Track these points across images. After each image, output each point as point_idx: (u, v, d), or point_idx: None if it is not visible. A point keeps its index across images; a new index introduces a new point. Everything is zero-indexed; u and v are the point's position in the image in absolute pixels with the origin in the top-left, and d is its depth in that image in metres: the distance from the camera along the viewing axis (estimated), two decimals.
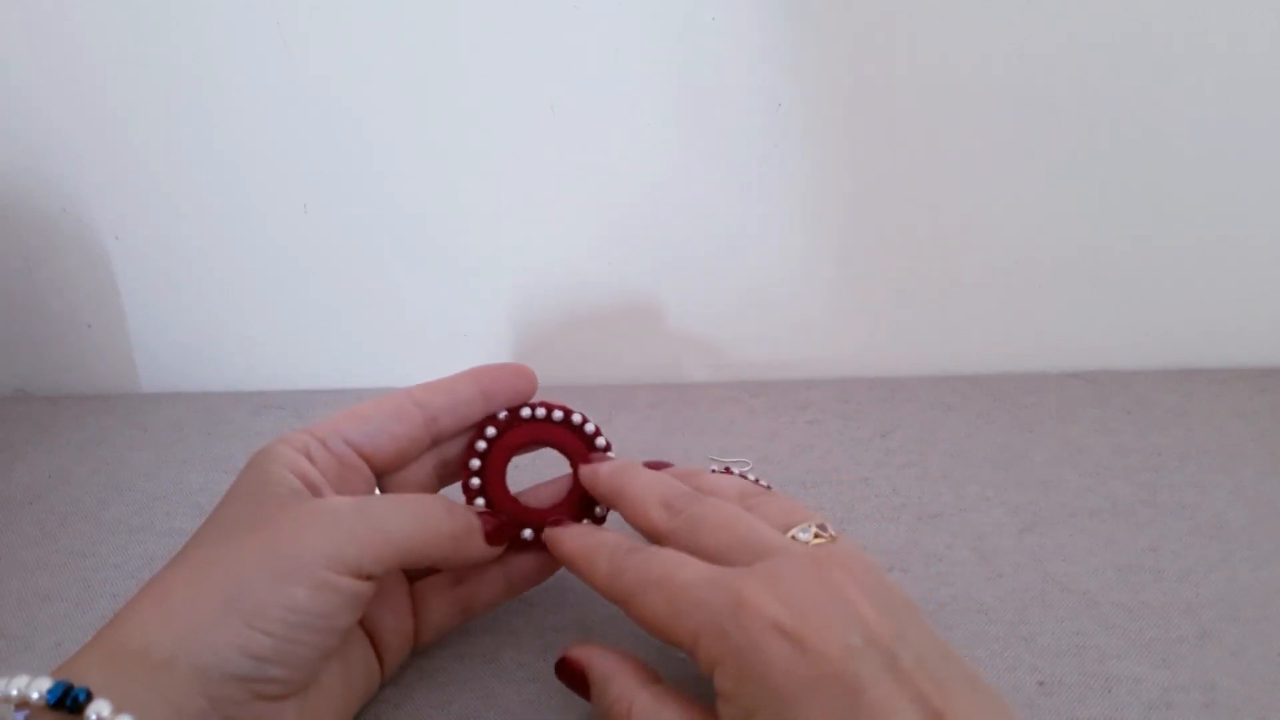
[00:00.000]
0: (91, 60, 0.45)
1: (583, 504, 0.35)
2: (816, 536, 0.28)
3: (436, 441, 0.35)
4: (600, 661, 0.30)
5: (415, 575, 0.34)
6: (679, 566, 0.28)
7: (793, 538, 0.28)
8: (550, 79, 0.45)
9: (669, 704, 0.28)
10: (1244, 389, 0.50)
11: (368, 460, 0.33)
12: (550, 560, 0.35)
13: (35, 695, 0.23)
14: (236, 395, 0.52)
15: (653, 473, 0.33)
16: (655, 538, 0.31)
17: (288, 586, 0.26)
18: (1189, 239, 0.49)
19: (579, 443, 0.36)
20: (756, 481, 0.42)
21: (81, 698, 0.23)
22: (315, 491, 0.30)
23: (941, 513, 0.42)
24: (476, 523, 0.32)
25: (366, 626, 0.32)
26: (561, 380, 0.52)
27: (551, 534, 0.33)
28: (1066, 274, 0.50)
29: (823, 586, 0.26)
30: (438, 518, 0.31)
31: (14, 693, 0.23)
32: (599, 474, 0.34)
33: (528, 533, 0.34)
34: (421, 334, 0.52)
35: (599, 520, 0.35)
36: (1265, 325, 0.52)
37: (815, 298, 0.51)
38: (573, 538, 0.32)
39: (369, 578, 0.28)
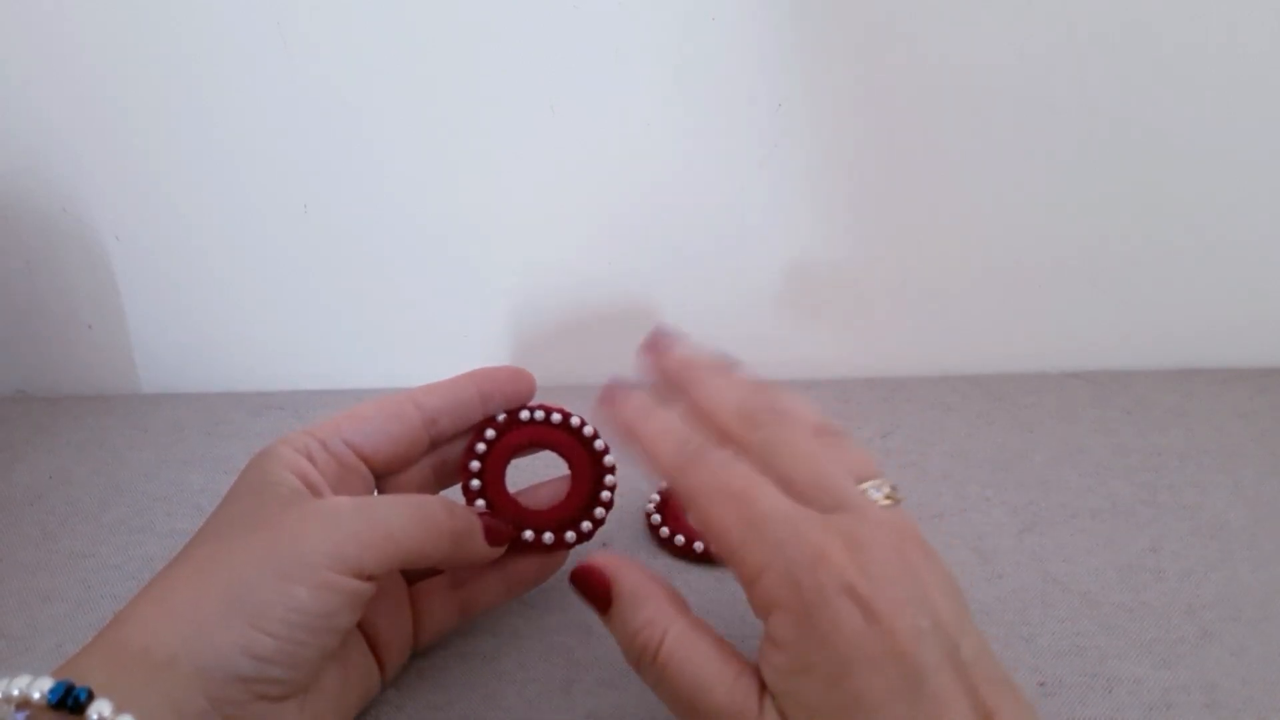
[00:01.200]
0: (91, 60, 0.45)
1: (583, 506, 0.35)
2: (887, 498, 0.27)
3: (436, 443, 0.35)
4: (630, 579, 0.28)
5: (414, 578, 0.34)
6: (760, 490, 0.26)
7: (863, 492, 0.27)
8: (550, 79, 0.45)
9: (704, 638, 0.27)
10: (1244, 389, 0.50)
11: (367, 461, 0.33)
12: (549, 562, 0.35)
13: (37, 695, 0.23)
14: (236, 395, 0.52)
15: (728, 378, 0.31)
16: (723, 438, 0.29)
17: (289, 586, 0.26)
18: (1189, 239, 0.49)
19: (578, 445, 0.36)
20: None
21: (83, 698, 0.23)
22: (315, 492, 0.30)
23: (941, 513, 0.42)
24: (477, 523, 0.32)
25: (366, 629, 0.32)
26: (561, 380, 0.52)
27: (611, 410, 0.31)
28: (1066, 274, 0.50)
29: (901, 561, 0.25)
30: (439, 518, 0.31)
31: (15, 693, 0.23)
32: (670, 357, 0.32)
33: (528, 534, 0.34)
34: (421, 334, 0.52)
35: (599, 522, 0.35)
36: (1265, 325, 0.52)
37: (816, 297, 0.51)
38: (637, 411, 0.30)
39: (370, 578, 0.28)
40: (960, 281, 0.50)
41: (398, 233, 0.49)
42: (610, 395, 0.31)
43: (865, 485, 0.27)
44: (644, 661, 0.27)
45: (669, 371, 0.32)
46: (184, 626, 0.25)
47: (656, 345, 0.33)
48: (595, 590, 0.29)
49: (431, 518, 0.30)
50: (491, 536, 0.32)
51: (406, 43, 0.44)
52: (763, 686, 0.25)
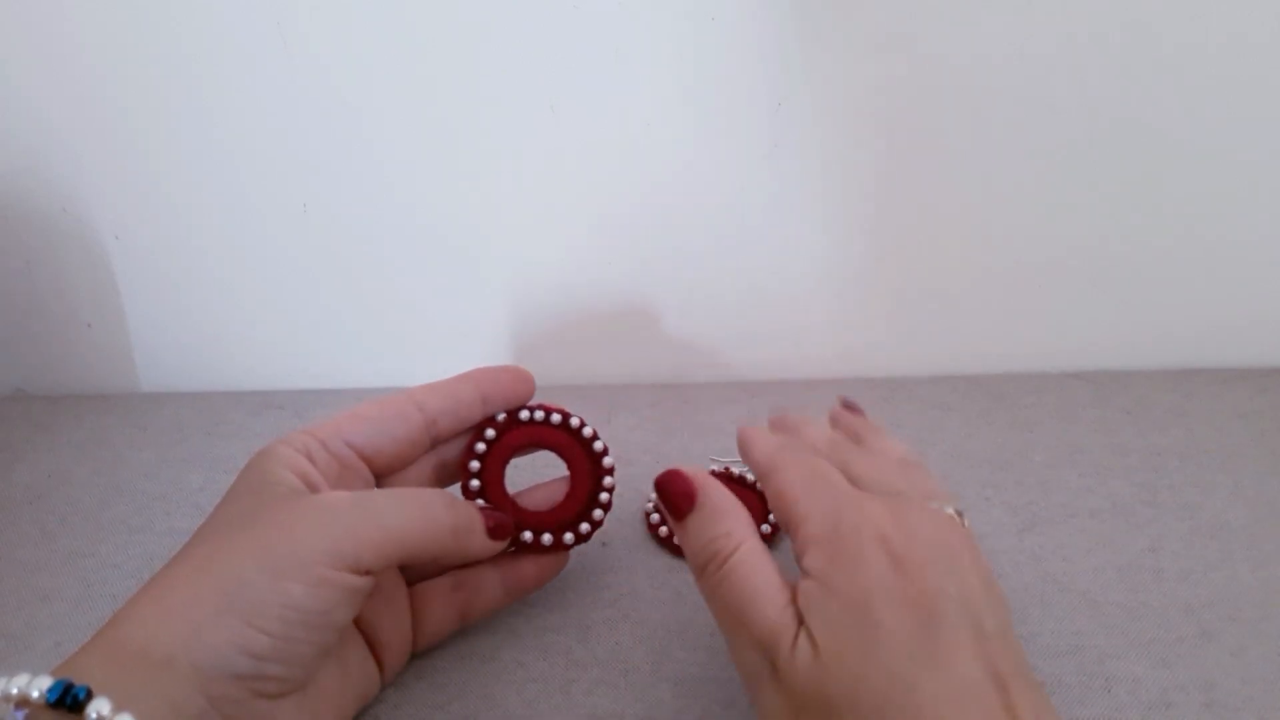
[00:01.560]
0: (91, 60, 0.45)
1: (582, 507, 0.35)
2: (951, 515, 0.29)
3: (436, 443, 0.35)
4: (716, 493, 0.30)
5: (413, 579, 0.34)
6: (828, 468, 0.30)
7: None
8: (550, 79, 0.45)
9: (770, 561, 0.28)
10: (1244, 389, 0.50)
11: (368, 462, 0.33)
12: (548, 565, 0.35)
13: (35, 694, 0.23)
14: (236, 395, 0.52)
15: (823, 426, 0.35)
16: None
17: (285, 584, 0.26)
18: (1189, 239, 0.49)
19: (576, 446, 0.36)
20: (760, 492, 0.42)
21: (81, 696, 0.23)
22: (315, 491, 0.30)
23: None
24: (478, 517, 0.32)
25: (365, 629, 0.32)
26: (562, 380, 0.52)
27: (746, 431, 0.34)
28: (1066, 274, 0.50)
29: (941, 538, 0.27)
30: (438, 511, 0.31)
31: (14, 691, 0.23)
32: (781, 415, 0.36)
33: (527, 534, 0.34)
34: (421, 334, 0.52)
35: (598, 523, 0.35)
36: (1265, 325, 0.51)
37: (815, 298, 0.51)
38: (752, 431, 0.33)
39: (367, 573, 0.28)
40: (960, 281, 0.50)
41: (398, 232, 0.49)
42: (742, 430, 0.34)
43: (931, 502, 0.29)
44: (711, 567, 0.28)
45: (788, 422, 0.35)
46: (181, 625, 0.25)
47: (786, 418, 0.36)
48: (681, 494, 0.30)
49: (431, 512, 0.30)
50: (494, 531, 0.32)
51: (406, 42, 0.44)
52: (801, 618, 0.26)
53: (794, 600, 0.27)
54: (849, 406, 0.36)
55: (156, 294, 0.51)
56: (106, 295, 0.51)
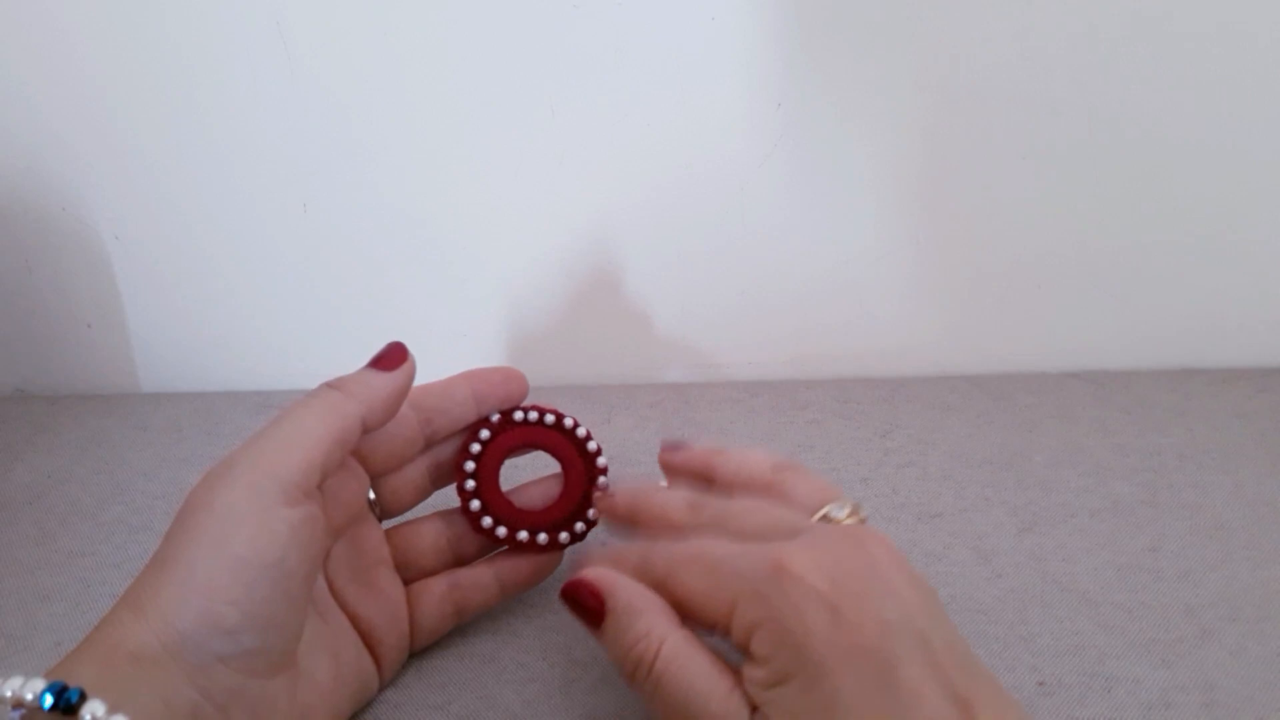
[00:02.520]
0: (91, 60, 0.45)
1: (576, 507, 0.35)
2: (850, 516, 0.28)
3: (430, 444, 0.35)
4: (626, 592, 0.28)
5: (409, 578, 0.34)
6: (714, 544, 0.28)
7: (825, 515, 0.28)
8: (550, 79, 0.45)
9: (699, 650, 0.27)
10: (1244, 389, 0.50)
11: (363, 461, 0.33)
12: (543, 563, 0.35)
13: (30, 696, 0.23)
14: (236, 395, 0.52)
15: (671, 490, 0.33)
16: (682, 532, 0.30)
17: (226, 547, 0.26)
18: (1189, 239, 0.49)
19: (570, 446, 0.36)
20: None
21: (75, 699, 0.23)
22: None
23: (941, 513, 0.42)
24: (368, 371, 0.31)
25: (360, 626, 0.32)
26: (561, 380, 0.52)
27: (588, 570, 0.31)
28: (1066, 274, 0.50)
29: (860, 560, 0.26)
30: (329, 398, 0.30)
31: (8, 694, 0.23)
32: (615, 497, 0.34)
33: (523, 534, 0.34)
34: (420, 334, 0.52)
35: (592, 523, 0.35)
36: (1265, 325, 0.51)
37: (815, 298, 0.51)
38: (601, 559, 0.31)
39: (301, 499, 0.28)
40: (960, 281, 0.50)
41: (397, 233, 0.49)
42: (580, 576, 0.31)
43: (826, 509, 0.28)
44: (639, 673, 0.27)
45: (621, 513, 0.34)
46: (156, 621, 0.25)
47: (604, 503, 0.34)
48: (588, 604, 0.29)
49: (326, 406, 0.29)
50: (384, 360, 0.32)
51: (406, 43, 0.44)
52: (754, 704, 0.25)
53: (738, 685, 0.26)
54: (672, 447, 0.35)
55: (156, 294, 0.51)
56: (106, 295, 0.51)
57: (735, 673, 0.26)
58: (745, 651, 0.26)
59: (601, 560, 0.31)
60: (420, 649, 0.34)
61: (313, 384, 0.52)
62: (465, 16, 0.44)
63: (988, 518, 0.41)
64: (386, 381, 0.31)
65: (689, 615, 0.28)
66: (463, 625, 0.35)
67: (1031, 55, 0.44)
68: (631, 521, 0.33)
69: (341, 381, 0.31)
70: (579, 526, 0.35)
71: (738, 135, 0.46)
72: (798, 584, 0.25)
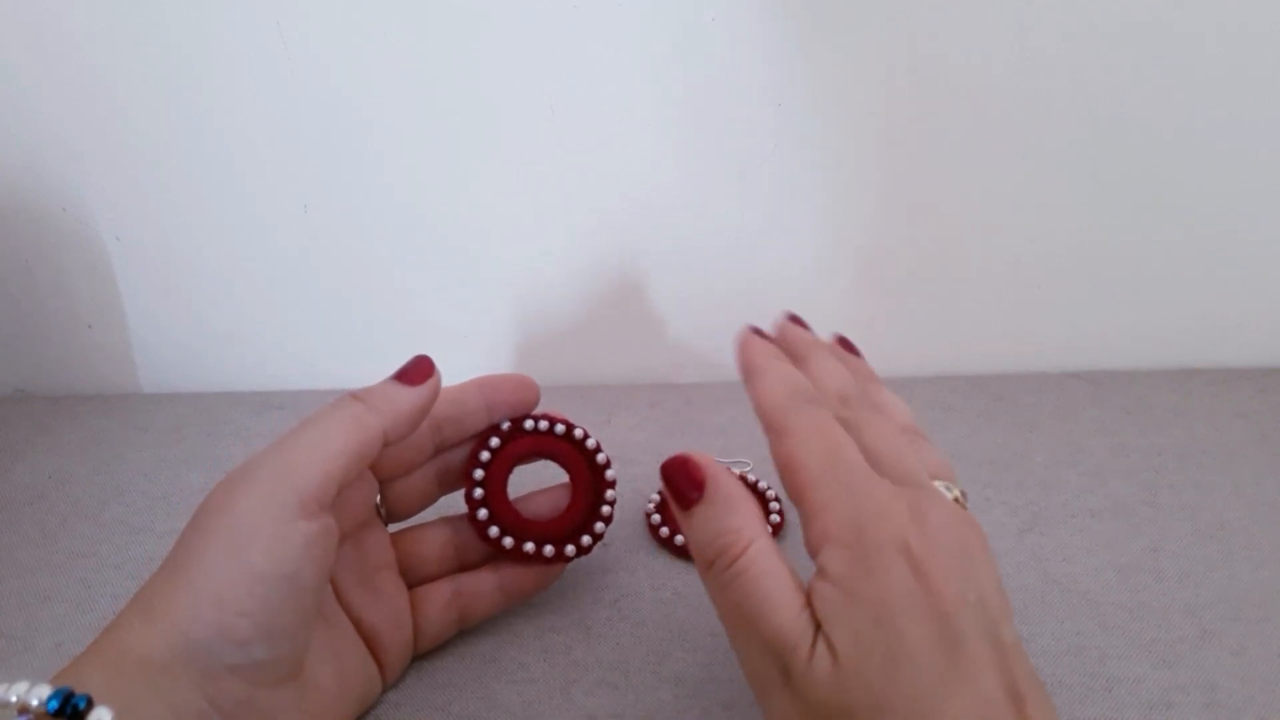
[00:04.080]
0: (91, 60, 0.45)
1: (583, 518, 0.35)
2: (955, 500, 0.28)
3: (440, 450, 0.35)
4: (725, 482, 0.28)
5: (413, 582, 0.34)
6: (848, 444, 0.27)
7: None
8: (550, 79, 0.45)
9: (783, 561, 0.26)
10: (1244, 389, 0.50)
11: (372, 467, 0.33)
12: (547, 573, 0.35)
13: (35, 702, 0.23)
14: (236, 395, 0.52)
15: (841, 362, 0.33)
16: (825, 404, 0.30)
17: (243, 557, 0.26)
18: (1189, 238, 0.49)
19: (579, 457, 0.36)
20: (762, 492, 0.42)
21: (82, 705, 0.23)
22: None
23: None
24: (390, 384, 0.31)
25: (364, 630, 0.32)
26: (562, 380, 0.52)
27: (746, 339, 0.32)
28: (1066, 274, 0.50)
29: (959, 539, 0.26)
30: (350, 410, 0.30)
31: (13, 699, 0.23)
32: (795, 331, 0.34)
33: (529, 546, 0.34)
34: (421, 334, 0.52)
35: (599, 536, 0.35)
36: (1265, 325, 0.52)
37: (815, 298, 0.51)
38: (764, 354, 0.31)
39: (318, 513, 0.28)
40: (960, 281, 0.50)
41: (398, 233, 0.49)
42: (745, 334, 0.32)
43: (937, 483, 0.28)
44: (719, 565, 0.27)
45: (791, 342, 0.34)
46: (166, 628, 0.25)
47: (792, 318, 0.35)
48: (689, 482, 0.28)
49: (347, 419, 0.29)
50: (406, 375, 0.31)
51: (406, 43, 0.44)
52: (819, 624, 0.25)
53: (809, 604, 0.25)
54: (847, 346, 0.35)
55: (156, 294, 0.51)
56: (106, 295, 0.51)
57: (808, 593, 0.26)
58: (813, 554, 0.26)
59: (765, 356, 0.31)
60: (424, 652, 0.34)
61: (313, 385, 0.53)
62: (465, 17, 0.44)
63: (988, 518, 0.41)
64: (411, 397, 0.31)
65: (784, 477, 0.27)
66: (464, 627, 0.35)
67: (1032, 55, 0.44)
68: (793, 359, 0.32)
69: (366, 393, 0.30)
70: (585, 539, 0.35)
71: (737, 135, 0.46)
72: (895, 532, 0.25)
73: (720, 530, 0.27)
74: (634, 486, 0.43)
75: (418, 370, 0.32)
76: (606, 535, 0.36)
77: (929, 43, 0.44)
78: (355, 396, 0.30)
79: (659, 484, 0.42)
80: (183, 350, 0.53)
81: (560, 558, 0.35)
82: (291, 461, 0.28)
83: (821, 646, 0.24)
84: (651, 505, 0.42)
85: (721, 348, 0.53)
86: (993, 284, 0.50)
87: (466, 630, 0.35)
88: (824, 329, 0.52)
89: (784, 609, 0.25)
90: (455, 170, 0.47)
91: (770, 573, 0.26)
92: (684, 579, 0.38)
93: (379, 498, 0.34)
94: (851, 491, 0.26)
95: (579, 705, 0.33)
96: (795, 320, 0.35)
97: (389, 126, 0.46)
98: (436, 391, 0.32)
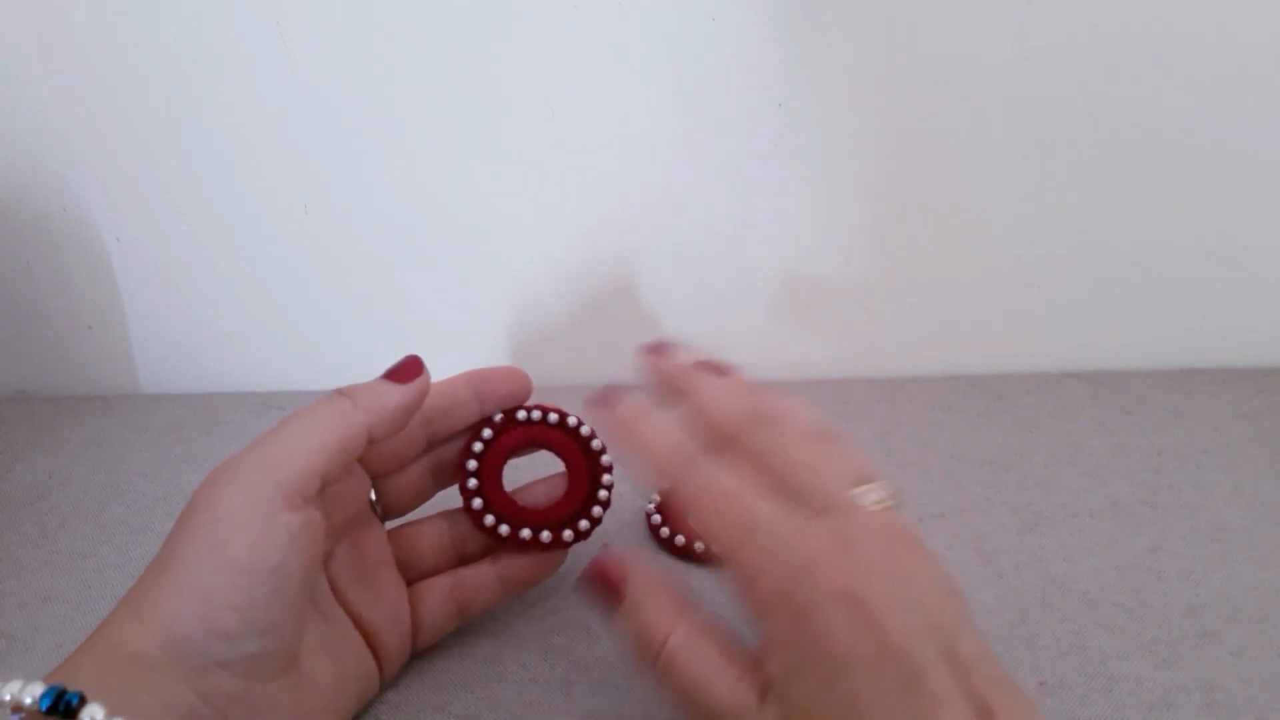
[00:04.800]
0: (91, 60, 0.45)
1: (580, 505, 0.35)
2: (884, 500, 0.27)
3: (432, 444, 0.35)
4: (640, 578, 0.28)
5: (411, 578, 0.34)
6: (754, 493, 0.27)
7: (858, 495, 0.27)
8: (550, 79, 0.45)
9: (710, 640, 0.26)
10: (1244, 389, 0.50)
11: (363, 463, 0.33)
12: (546, 562, 0.35)
13: (29, 700, 0.23)
14: (236, 395, 0.52)
15: (728, 382, 0.31)
16: (722, 441, 0.29)
17: (226, 552, 0.26)
18: (1188, 238, 0.49)
19: (574, 445, 0.36)
20: None
21: (75, 702, 0.23)
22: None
23: (942, 513, 0.42)
24: (382, 383, 0.31)
25: (363, 627, 0.32)
26: (561, 380, 0.52)
27: (609, 403, 0.31)
28: (1066, 274, 0.50)
29: (892, 562, 0.25)
30: (337, 406, 0.30)
31: (7, 698, 0.23)
32: (670, 360, 0.32)
33: (525, 533, 0.34)
34: (422, 334, 0.52)
35: (597, 521, 0.35)
36: (1265, 325, 0.52)
37: (815, 298, 0.51)
38: (633, 414, 0.30)
39: (301, 505, 0.28)
40: (960, 281, 0.50)
41: (398, 233, 0.49)
42: (605, 398, 0.31)
43: (862, 488, 0.27)
44: (647, 660, 0.27)
45: (668, 374, 0.32)
46: (154, 625, 0.25)
47: (657, 349, 0.33)
48: (607, 588, 0.28)
49: (334, 414, 0.29)
50: (397, 373, 0.31)
51: (406, 43, 0.44)
52: (765, 687, 0.25)
53: (745, 673, 0.25)
54: (717, 369, 0.32)
55: (156, 294, 0.51)
56: (106, 296, 0.51)
57: (745, 657, 0.26)
58: (759, 623, 0.25)
59: (636, 415, 0.30)
60: (423, 649, 0.34)
61: (313, 385, 0.53)
62: (465, 17, 0.44)
63: (988, 518, 0.41)
64: (397, 395, 0.31)
65: (709, 545, 0.27)
66: (464, 627, 0.35)
67: (1031, 55, 0.44)
68: (671, 393, 0.31)
69: (352, 390, 0.31)
70: (583, 524, 0.35)
71: (738, 135, 0.46)
72: (828, 580, 0.24)
73: (641, 627, 0.27)
74: (634, 486, 0.43)
75: (406, 369, 0.32)
76: (606, 535, 0.36)
77: (929, 43, 0.44)
78: (341, 393, 0.30)
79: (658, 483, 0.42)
80: (183, 350, 0.53)
81: (559, 543, 0.35)
82: (273, 455, 0.28)
83: (771, 714, 0.24)
84: (651, 505, 0.42)
85: (721, 348, 0.53)
86: (993, 284, 0.50)
87: (466, 628, 0.35)
88: (825, 329, 0.53)
89: (717, 688, 0.25)
90: (455, 170, 0.47)
91: (696, 656, 0.26)
92: (684, 579, 0.38)
93: (374, 495, 0.34)
94: (773, 552, 0.25)
95: (580, 705, 0.33)
96: (657, 350, 0.33)
97: (389, 126, 0.46)
98: (425, 390, 0.32)
